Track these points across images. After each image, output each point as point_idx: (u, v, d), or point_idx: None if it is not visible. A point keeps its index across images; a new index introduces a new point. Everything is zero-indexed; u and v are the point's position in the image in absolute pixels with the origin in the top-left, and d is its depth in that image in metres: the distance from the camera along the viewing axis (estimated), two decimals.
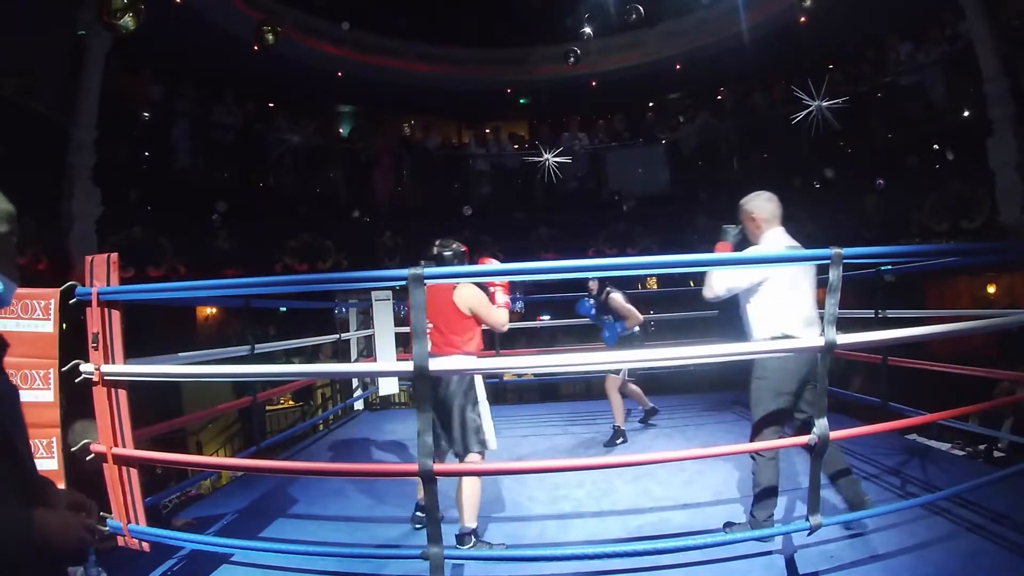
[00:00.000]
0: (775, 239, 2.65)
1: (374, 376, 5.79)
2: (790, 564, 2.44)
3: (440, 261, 2.91)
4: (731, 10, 8.73)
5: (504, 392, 7.57)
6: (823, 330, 2.25)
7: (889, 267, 4.04)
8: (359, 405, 6.50)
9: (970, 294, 8.96)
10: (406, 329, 4.30)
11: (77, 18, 6.12)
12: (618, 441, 4.54)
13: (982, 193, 6.66)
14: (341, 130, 10.90)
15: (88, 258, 2.56)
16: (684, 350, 2.64)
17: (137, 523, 2.51)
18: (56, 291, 2.45)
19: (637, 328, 4.67)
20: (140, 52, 7.30)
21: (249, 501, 3.50)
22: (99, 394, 2.50)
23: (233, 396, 6.28)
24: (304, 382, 6.56)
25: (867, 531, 2.64)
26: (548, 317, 7.91)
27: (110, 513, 2.44)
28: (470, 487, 2.71)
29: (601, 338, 4.72)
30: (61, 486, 2.31)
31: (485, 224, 9.26)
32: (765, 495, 2.62)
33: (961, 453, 5.14)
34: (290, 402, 8.71)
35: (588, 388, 8.40)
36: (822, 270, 2.46)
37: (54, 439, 2.41)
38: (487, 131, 10.48)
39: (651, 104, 11.57)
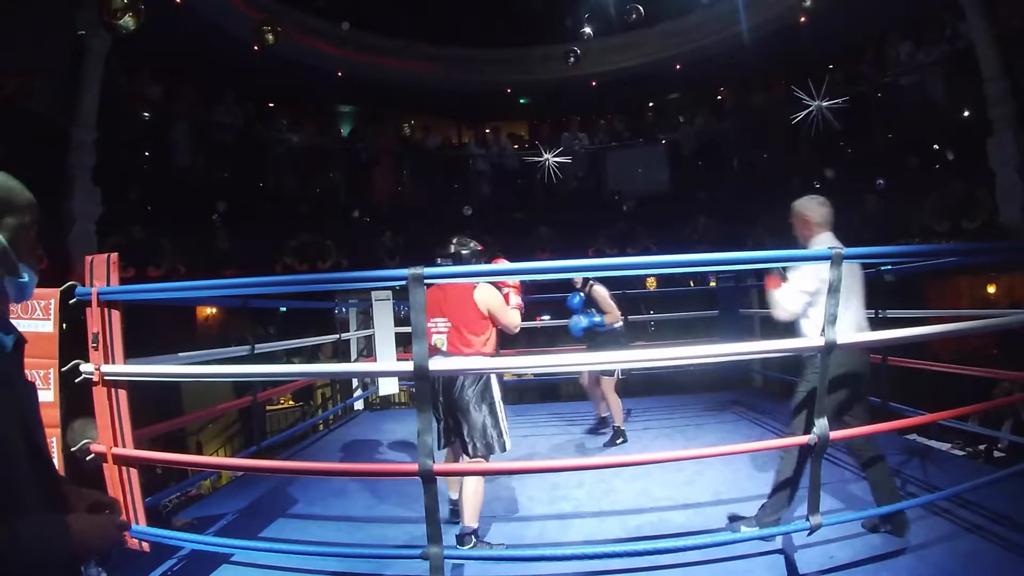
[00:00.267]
0: (827, 243, 2.62)
1: (374, 376, 5.79)
2: (790, 564, 2.44)
3: (458, 259, 2.93)
4: (731, 10, 8.73)
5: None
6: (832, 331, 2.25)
7: (889, 267, 4.04)
8: (359, 405, 6.50)
9: (970, 294, 8.96)
10: (406, 329, 4.30)
11: (77, 18, 6.12)
12: (618, 441, 4.52)
13: (982, 193, 6.66)
14: (341, 130, 10.90)
15: (88, 258, 2.57)
16: (684, 350, 2.64)
17: (137, 523, 2.51)
18: (56, 291, 2.45)
19: (619, 324, 4.62)
20: (140, 52, 7.30)
21: (249, 501, 3.50)
22: (99, 394, 2.50)
23: (233, 396, 6.29)
24: (304, 382, 6.56)
25: (867, 531, 2.64)
26: (548, 317, 7.91)
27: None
28: (473, 487, 2.72)
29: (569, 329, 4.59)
30: None
31: (485, 224, 9.25)
32: (781, 494, 2.59)
33: (961, 453, 5.15)
34: (290, 402, 8.72)
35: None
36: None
37: (54, 439, 2.41)
38: (487, 131, 10.49)
39: (651, 104, 11.57)
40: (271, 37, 7.11)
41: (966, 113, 7.12)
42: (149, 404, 4.01)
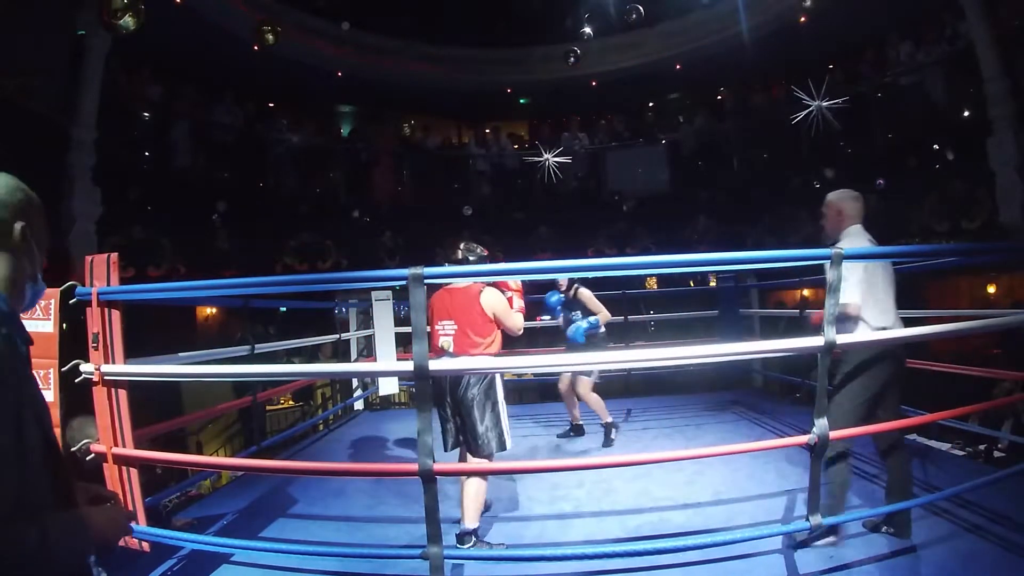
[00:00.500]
0: (858, 235, 2.68)
1: (374, 376, 5.79)
2: (790, 564, 2.44)
3: (465, 265, 2.96)
4: (731, 10, 8.73)
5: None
6: (825, 330, 2.26)
7: None
8: (359, 405, 6.50)
9: (970, 294, 8.96)
10: (406, 329, 4.30)
11: (77, 18, 6.12)
12: (612, 436, 4.49)
13: (982, 193, 6.66)
14: (341, 130, 10.90)
15: (88, 258, 2.57)
16: (684, 350, 2.64)
17: (137, 523, 2.51)
18: (56, 291, 2.45)
19: (602, 329, 4.56)
20: (140, 52, 7.31)
21: (249, 501, 3.50)
22: (99, 394, 2.50)
23: (233, 396, 6.28)
24: (304, 382, 6.56)
25: (867, 531, 2.64)
26: (548, 318, 7.91)
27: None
28: (475, 488, 2.72)
29: (566, 335, 4.54)
30: None
31: (485, 224, 9.26)
32: (839, 493, 2.55)
33: (961, 453, 5.15)
34: (290, 402, 8.71)
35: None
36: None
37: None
38: (487, 131, 10.49)
39: (651, 104, 11.58)
40: (271, 37, 7.10)
41: (966, 113, 7.11)
42: (149, 404, 4.01)
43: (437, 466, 2.21)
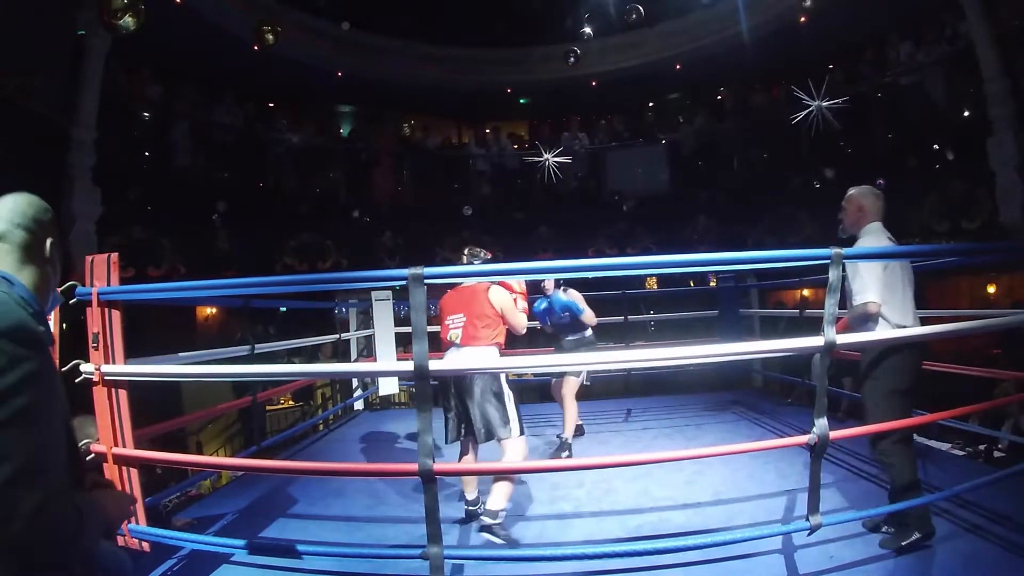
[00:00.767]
0: (877, 232, 2.69)
1: (374, 376, 5.79)
2: (790, 564, 2.44)
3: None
4: (731, 10, 8.74)
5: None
6: (823, 330, 2.26)
7: None
8: (359, 405, 6.50)
9: (970, 294, 8.96)
10: (406, 329, 4.29)
11: (77, 18, 6.12)
12: (563, 454, 4.24)
13: (982, 193, 6.66)
14: (341, 130, 10.90)
15: (88, 258, 2.56)
16: (684, 350, 2.64)
17: (137, 523, 2.51)
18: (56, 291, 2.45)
19: (590, 333, 4.50)
20: (140, 52, 7.31)
21: (249, 501, 3.50)
22: (99, 394, 2.50)
23: (233, 396, 6.28)
24: (304, 382, 6.56)
25: (867, 531, 2.64)
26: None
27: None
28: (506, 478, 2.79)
29: (559, 334, 4.52)
30: None
31: (485, 224, 9.26)
32: (910, 491, 2.50)
33: (961, 453, 5.15)
34: (290, 402, 8.71)
35: (588, 388, 8.39)
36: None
37: None
38: (487, 131, 10.49)
39: (651, 104, 11.58)
40: (271, 37, 7.10)
41: (966, 113, 7.12)
42: (149, 404, 4.00)
43: (437, 466, 2.21)
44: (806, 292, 9.06)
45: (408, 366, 2.23)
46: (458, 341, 2.98)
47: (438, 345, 3.05)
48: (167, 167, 7.78)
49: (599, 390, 4.81)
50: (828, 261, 2.26)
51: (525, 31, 10.25)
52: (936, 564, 2.36)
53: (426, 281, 2.18)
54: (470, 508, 3.07)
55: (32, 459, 0.92)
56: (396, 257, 8.96)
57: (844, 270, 2.60)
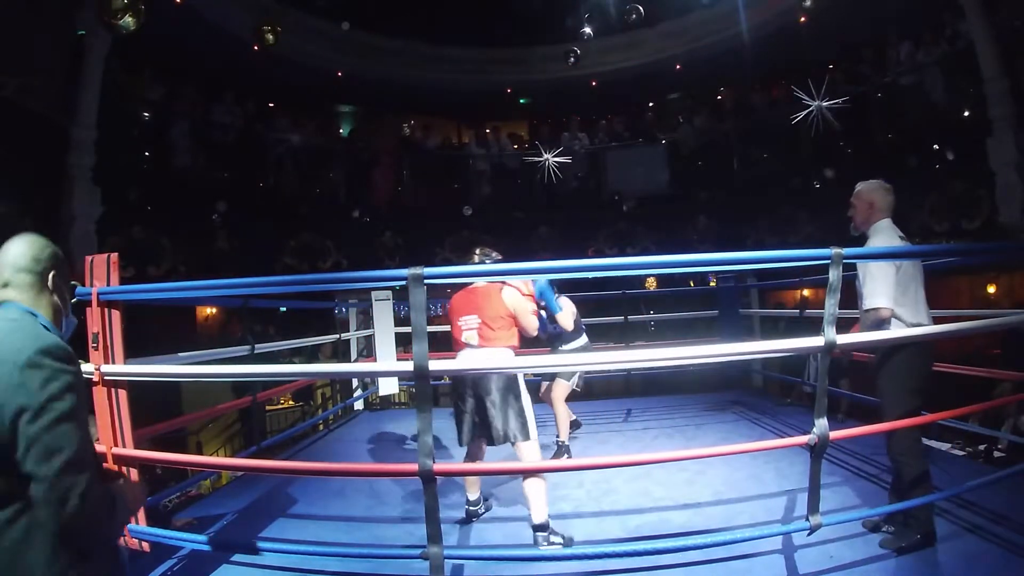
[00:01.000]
0: (888, 230, 2.66)
1: (374, 376, 5.79)
2: (790, 564, 2.44)
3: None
4: (731, 10, 8.73)
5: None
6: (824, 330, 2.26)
7: None
8: (359, 405, 6.50)
9: (970, 294, 8.95)
10: (406, 329, 4.28)
11: (77, 18, 6.12)
12: (564, 457, 4.18)
13: (982, 193, 6.66)
14: (341, 130, 10.90)
15: (88, 258, 2.57)
16: (684, 350, 2.64)
17: (137, 523, 2.51)
18: None
19: (583, 340, 4.40)
20: (140, 52, 7.30)
21: (249, 501, 3.50)
22: (99, 394, 2.50)
23: (233, 396, 6.28)
24: (304, 382, 6.56)
25: (867, 531, 2.64)
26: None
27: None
28: (534, 485, 2.73)
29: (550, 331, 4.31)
30: None
31: (485, 224, 9.25)
32: (922, 490, 2.48)
33: (961, 453, 5.16)
34: (290, 402, 8.71)
35: (587, 388, 8.40)
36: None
37: None
38: (487, 131, 10.48)
39: (651, 104, 11.57)
40: (271, 37, 7.10)
41: (966, 113, 7.11)
42: (149, 404, 4.00)
43: (437, 466, 2.21)
44: (806, 292, 9.06)
45: (408, 366, 2.23)
46: (475, 343, 2.94)
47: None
48: (167, 167, 7.78)
49: (599, 390, 4.82)
50: (828, 261, 2.26)
51: (525, 31, 10.24)
52: (936, 564, 2.36)
53: (426, 281, 2.18)
54: (471, 508, 3.07)
55: (79, 451, 1.10)
56: (396, 257, 8.95)
57: (856, 269, 2.59)
